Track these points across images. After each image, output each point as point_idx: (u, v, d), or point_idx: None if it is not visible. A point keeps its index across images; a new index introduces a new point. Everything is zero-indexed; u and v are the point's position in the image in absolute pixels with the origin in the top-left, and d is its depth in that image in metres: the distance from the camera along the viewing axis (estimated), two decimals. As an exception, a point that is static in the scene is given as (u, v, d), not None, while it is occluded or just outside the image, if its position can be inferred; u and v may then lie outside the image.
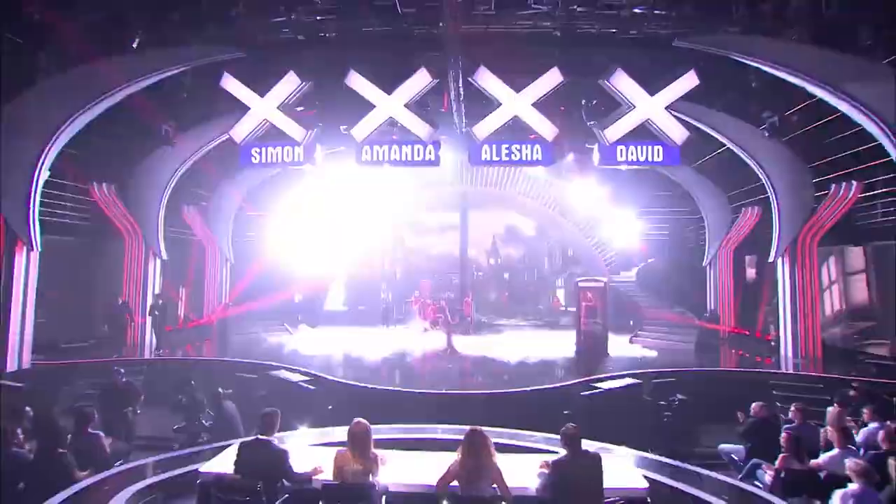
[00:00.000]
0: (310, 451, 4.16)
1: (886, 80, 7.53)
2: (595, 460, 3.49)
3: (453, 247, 19.15)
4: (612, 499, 3.37)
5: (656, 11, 9.19)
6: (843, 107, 8.27)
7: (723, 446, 6.12)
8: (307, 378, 8.88)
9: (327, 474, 3.67)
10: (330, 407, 7.58)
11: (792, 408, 5.78)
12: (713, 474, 4.76)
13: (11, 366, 7.95)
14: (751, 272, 13.90)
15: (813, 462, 4.66)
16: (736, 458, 5.76)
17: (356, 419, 3.69)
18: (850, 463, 3.75)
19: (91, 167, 11.08)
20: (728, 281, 13.93)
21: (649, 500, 3.65)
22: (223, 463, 3.88)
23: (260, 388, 8.39)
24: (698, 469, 4.87)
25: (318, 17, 8.94)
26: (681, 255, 15.76)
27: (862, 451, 4.54)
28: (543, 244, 19.79)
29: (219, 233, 14.25)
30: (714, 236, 14.45)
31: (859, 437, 4.99)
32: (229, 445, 4.19)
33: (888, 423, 4.78)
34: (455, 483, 3.53)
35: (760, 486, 4.86)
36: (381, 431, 4.15)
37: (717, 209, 14.30)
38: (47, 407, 5.77)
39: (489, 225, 19.67)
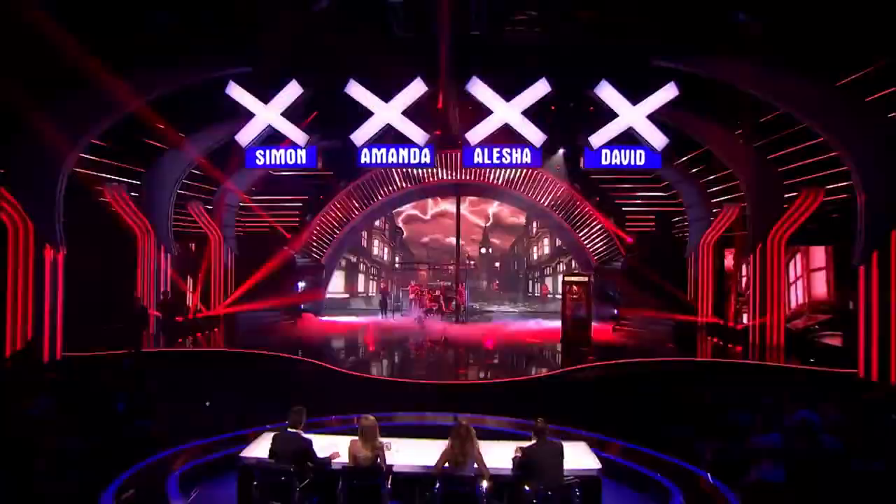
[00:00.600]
0: (328, 438, 5.03)
1: (839, 100, 8.27)
2: (557, 447, 4.38)
3: (442, 234, 19.95)
4: (569, 477, 4.28)
5: (639, 25, 9.77)
6: (807, 121, 9.04)
7: (681, 429, 7.03)
8: (312, 368, 9.76)
9: (343, 458, 4.53)
10: (334, 396, 8.43)
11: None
12: (662, 455, 5.67)
13: (47, 358, 8.80)
14: (728, 265, 14.76)
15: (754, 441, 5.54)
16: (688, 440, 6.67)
17: (365, 415, 4.55)
18: (762, 444, 4.68)
19: (103, 169, 11.68)
20: (707, 273, 14.77)
21: (601, 479, 4.57)
22: (259, 449, 4.75)
23: (265, 378, 9.19)
24: (651, 451, 5.78)
25: (319, 32, 9.45)
26: (665, 247, 16.54)
27: (781, 434, 5.42)
28: (532, 234, 20.59)
29: (222, 225, 14.91)
30: (695, 231, 15.25)
31: (786, 421, 5.90)
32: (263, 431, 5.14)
33: (809, 414, 5.67)
34: (446, 465, 4.42)
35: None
36: (383, 419, 4.97)
37: (698, 205, 15.05)
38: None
39: (480, 215, 20.44)
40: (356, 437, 4.47)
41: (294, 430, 4.44)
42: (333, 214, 17.74)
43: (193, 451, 5.42)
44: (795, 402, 6.63)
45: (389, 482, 4.46)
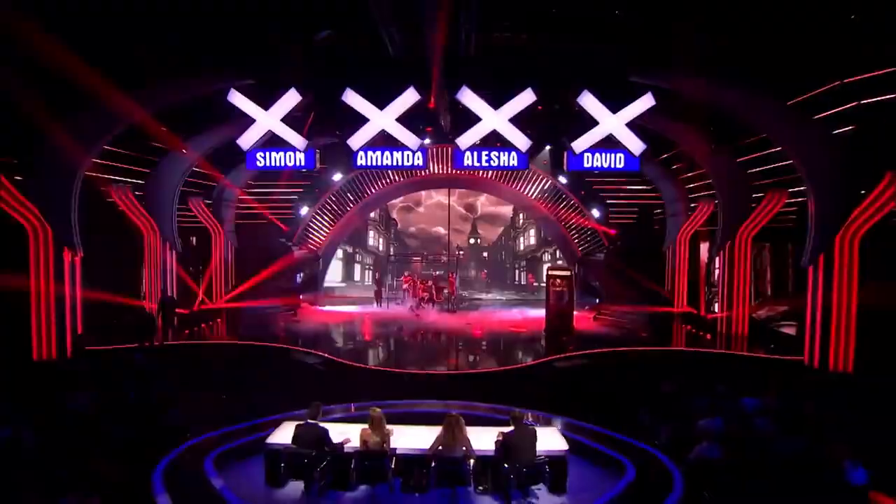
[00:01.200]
0: (341, 426, 5.89)
1: (787, 115, 9.11)
2: (531, 433, 5.30)
3: (428, 224, 20.70)
4: (541, 457, 5.19)
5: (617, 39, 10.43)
6: (764, 133, 9.88)
7: (644, 413, 7.95)
8: (316, 360, 10.58)
9: (354, 443, 5.39)
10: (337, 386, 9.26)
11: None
12: (623, 437, 6.59)
13: (70, 351, 9.51)
14: (702, 258, 15.73)
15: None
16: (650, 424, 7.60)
17: (373, 407, 5.42)
18: (706, 427, 5.64)
19: (109, 171, 12.18)
20: (683, 265, 15.73)
21: (568, 458, 5.50)
22: (282, 436, 5.59)
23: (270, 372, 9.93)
24: (613, 433, 6.70)
25: (319, 45, 9.98)
26: (646, 239, 17.41)
27: (722, 418, 6.36)
28: (519, 225, 21.42)
29: (222, 220, 15.48)
30: (673, 224, 16.15)
31: (729, 406, 6.85)
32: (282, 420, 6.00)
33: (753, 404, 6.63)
34: (440, 448, 5.30)
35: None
36: (384, 406, 5.79)
37: (676, 201, 15.91)
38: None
39: (469, 207, 21.19)
40: (366, 426, 5.34)
41: (312, 421, 5.29)
42: (329, 207, 18.33)
43: (219, 438, 6.21)
44: (746, 387, 7.60)
45: (393, 462, 5.34)
